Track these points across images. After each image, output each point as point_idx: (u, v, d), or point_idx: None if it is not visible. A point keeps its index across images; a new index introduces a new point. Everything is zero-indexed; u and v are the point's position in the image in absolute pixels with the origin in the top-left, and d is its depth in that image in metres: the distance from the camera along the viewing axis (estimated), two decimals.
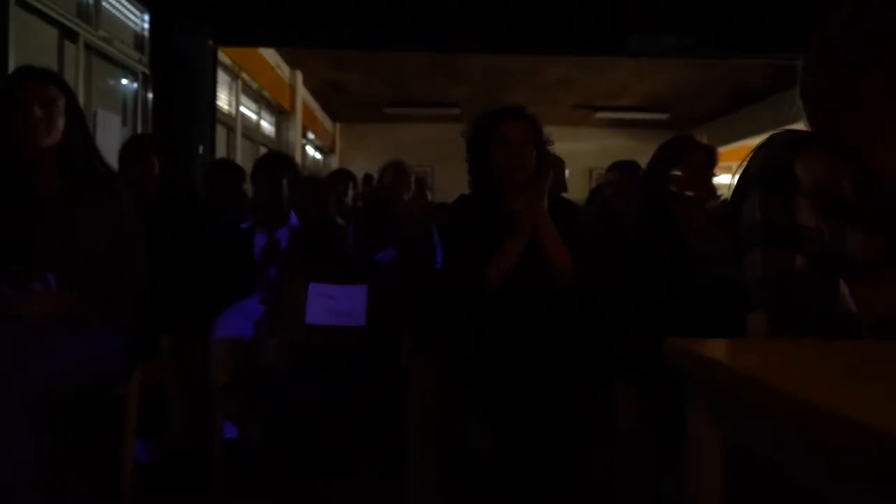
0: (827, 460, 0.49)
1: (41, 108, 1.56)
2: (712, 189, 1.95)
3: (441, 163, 2.91)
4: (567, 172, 3.10)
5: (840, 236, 0.96)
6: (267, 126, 7.86)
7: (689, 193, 1.86)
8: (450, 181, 3.00)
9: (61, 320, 1.51)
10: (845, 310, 0.91)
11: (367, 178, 8.28)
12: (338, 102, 9.81)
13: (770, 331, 0.95)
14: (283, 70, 7.72)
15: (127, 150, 2.64)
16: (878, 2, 1.00)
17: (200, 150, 4.18)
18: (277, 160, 2.72)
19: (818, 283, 0.93)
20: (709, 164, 1.91)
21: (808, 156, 0.98)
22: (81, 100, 3.39)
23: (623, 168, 3.16)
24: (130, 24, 4.01)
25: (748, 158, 1.08)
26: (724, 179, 1.95)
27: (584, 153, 10.45)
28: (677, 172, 1.86)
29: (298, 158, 8.50)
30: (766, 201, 0.98)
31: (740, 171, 1.09)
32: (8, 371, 1.32)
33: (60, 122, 1.61)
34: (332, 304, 2.03)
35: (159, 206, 2.42)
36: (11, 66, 2.61)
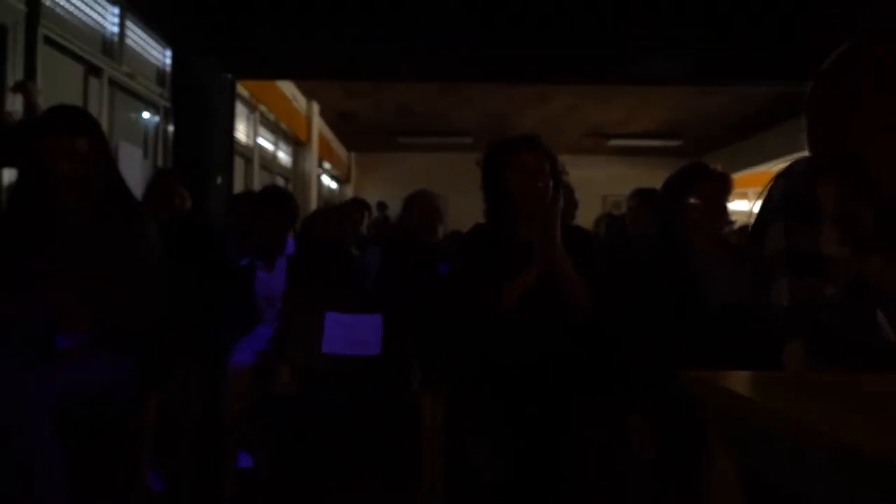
0: (849, 493, 0.48)
1: (68, 163, 1.63)
2: (726, 217, 1.94)
3: (454, 191, 2.96)
4: (578, 198, 3.07)
5: (862, 265, 0.95)
6: (284, 157, 7.99)
7: (704, 223, 1.85)
8: (463, 210, 2.98)
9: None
10: (885, 339, 0.89)
11: (381, 205, 8.36)
12: (353, 132, 9.97)
13: (806, 362, 0.93)
14: (300, 101, 7.87)
15: (157, 184, 2.69)
16: (884, 10, 1.01)
17: (219, 180, 4.26)
18: (271, 196, 2.68)
19: (851, 312, 0.91)
20: (723, 192, 1.90)
21: (828, 184, 0.98)
22: (104, 133, 3.48)
23: (642, 195, 3.18)
24: (152, 59, 4.13)
25: (768, 187, 1.08)
26: (739, 206, 1.95)
27: (597, 180, 10.47)
28: (693, 201, 1.86)
29: (314, 188, 8.61)
30: (790, 230, 0.98)
31: (761, 199, 1.09)
32: (32, 390, 1.33)
33: (86, 167, 1.67)
34: (349, 333, 2.03)
35: (185, 238, 2.47)
36: (39, 101, 2.69)
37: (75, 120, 1.70)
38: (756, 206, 1.12)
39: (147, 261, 1.71)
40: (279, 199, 2.58)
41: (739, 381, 0.69)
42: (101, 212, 1.69)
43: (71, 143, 1.64)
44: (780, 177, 1.06)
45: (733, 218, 2.04)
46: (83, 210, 1.68)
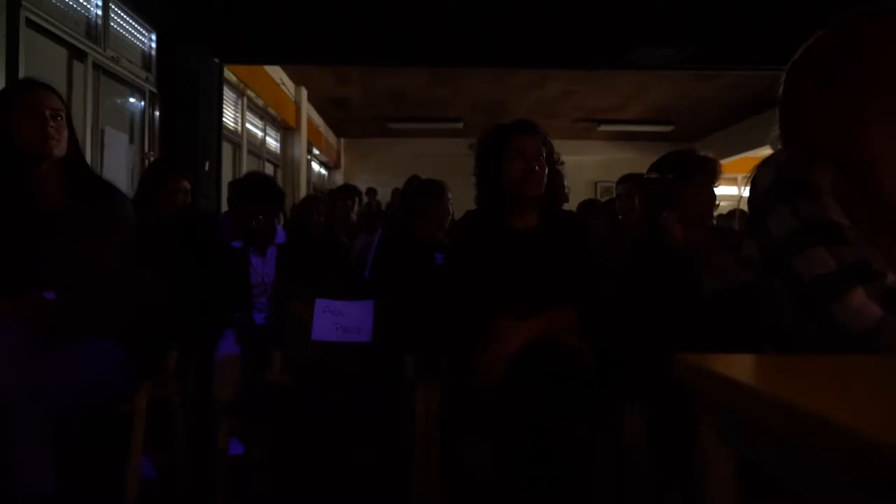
0: (842, 479, 0.49)
1: (51, 118, 1.57)
2: (715, 205, 1.95)
3: (444, 177, 2.93)
4: (567, 184, 3.05)
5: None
6: (272, 142, 7.91)
7: (698, 216, 1.86)
8: (454, 195, 2.93)
9: (49, 328, 1.49)
10: None
11: (371, 191, 8.32)
12: (342, 118, 9.88)
13: (887, 319, 0.88)
14: (288, 87, 7.79)
15: (160, 180, 2.64)
16: (869, 9, 1.01)
17: (206, 166, 4.21)
18: (255, 184, 2.59)
19: None
20: (714, 182, 1.91)
21: (817, 166, 0.98)
22: (90, 118, 3.42)
23: (632, 181, 3.20)
24: (137, 43, 4.06)
25: (752, 179, 1.07)
26: (728, 191, 1.95)
27: (588, 166, 10.47)
28: (687, 199, 1.86)
29: (304, 174, 8.55)
30: (799, 211, 0.96)
31: (749, 192, 1.07)
32: (27, 384, 1.32)
33: (66, 134, 1.62)
34: (338, 319, 2.02)
35: (183, 226, 2.45)
36: None
37: (49, 86, 1.63)
38: (746, 192, 1.12)
39: (116, 240, 1.66)
40: (259, 188, 2.52)
41: (732, 364, 0.69)
42: (78, 195, 1.63)
43: (51, 100, 1.58)
44: (764, 166, 1.05)
45: (721, 202, 2.05)
46: (61, 197, 1.62)
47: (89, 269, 1.58)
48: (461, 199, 2.24)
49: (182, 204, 2.62)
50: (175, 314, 1.92)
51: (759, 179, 1.04)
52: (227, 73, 5.18)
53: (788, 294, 1.02)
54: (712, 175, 1.89)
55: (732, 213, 5.55)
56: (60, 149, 1.60)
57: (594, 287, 1.78)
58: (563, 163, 1.91)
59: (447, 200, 2.81)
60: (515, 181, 1.77)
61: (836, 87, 1.03)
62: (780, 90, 1.11)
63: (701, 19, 3.89)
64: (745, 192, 1.11)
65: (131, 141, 4.01)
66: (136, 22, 3.99)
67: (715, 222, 2.10)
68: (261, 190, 2.49)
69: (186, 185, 2.66)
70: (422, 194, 2.80)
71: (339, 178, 11.00)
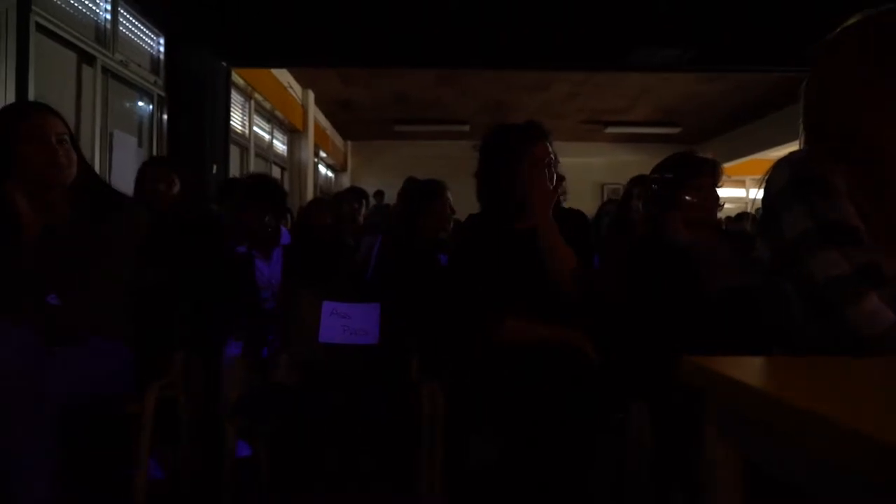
0: (846, 479, 0.48)
1: (58, 144, 1.55)
2: (718, 204, 1.95)
3: (451, 179, 2.92)
4: (564, 185, 3.03)
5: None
6: (279, 145, 7.95)
7: (702, 217, 1.86)
8: (460, 198, 2.93)
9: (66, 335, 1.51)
10: None
11: (379, 194, 8.34)
12: (349, 120, 9.92)
13: None
14: (296, 90, 7.82)
15: (146, 170, 2.69)
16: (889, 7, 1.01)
17: (214, 169, 4.24)
18: (263, 185, 2.59)
19: None
20: (716, 182, 1.91)
21: (833, 168, 0.98)
22: (98, 122, 3.45)
23: (641, 183, 3.22)
24: (146, 47, 4.10)
25: (767, 179, 1.06)
26: (736, 193, 1.95)
27: (595, 168, 10.46)
28: (689, 198, 1.85)
29: (311, 177, 8.58)
30: (813, 211, 0.96)
31: (763, 191, 1.07)
32: (28, 386, 1.33)
33: (75, 158, 1.60)
34: (345, 322, 2.02)
35: (176, 224, 2.46)
36: (31, 89, 2.67)
37: (51, 109, 1.60)
38: (754, 193, 1.11)
39: (125, 247, 1.66)
40: (267, 190, 2.51)
41: (738, 366, 0.68)
42: (85, 212, 1.62)
43: (55, 125, 1.56)
44: (779, 167, 1.05)
45: (728, 203, 2.04)
46: (65, 211, 1.61)
47: (93, 276, 1.59)
48: (467, 200, 2.22)
49: (164, 195, 2.61)
50: (178, 315, 1.93)
51: (774, 179, 1.04)
52: (235, 77, 5.21)
53: (797, 294, 1.01)
54: (712, 176, 1.89)
55: (743, 216, 5.54)
56: (72, 173, 1.59)
57: (599, 284, 1.77)
58: (559, 161, 1.90)
59: (447, 199, 2.81)
60: (535, 191, 1.74)
61: (845, 87, 1.02)
62: (802, 91, 1.11)
63: (704, 21, 3.88)
64: (754, 195, 1.11)
65: (140, 144, 4.04)
66: (145, 26, 4.02)
67: (724, 226, 2.09)
68: (270, 191, 2.49)
69: (167, 174, 2.66)
70: (422, 195, 2.80)
71: (345, 181, 11.03)
